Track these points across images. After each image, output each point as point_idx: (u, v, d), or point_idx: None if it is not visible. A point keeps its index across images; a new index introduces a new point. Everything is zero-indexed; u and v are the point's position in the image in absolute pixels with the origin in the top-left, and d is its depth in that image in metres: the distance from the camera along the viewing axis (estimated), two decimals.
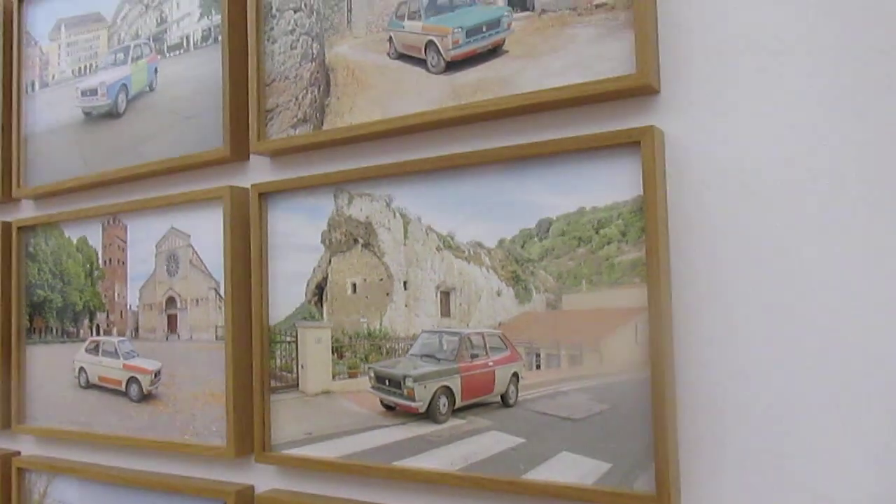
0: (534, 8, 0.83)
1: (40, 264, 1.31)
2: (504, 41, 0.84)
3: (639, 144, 0.75)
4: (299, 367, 1.00)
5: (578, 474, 0.78)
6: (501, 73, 0.84)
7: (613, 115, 0.79)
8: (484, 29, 0.86)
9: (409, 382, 0.90)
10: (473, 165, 0.86)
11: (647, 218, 0.75)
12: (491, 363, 0.85)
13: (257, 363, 1.02)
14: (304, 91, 0.99)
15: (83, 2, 1.29)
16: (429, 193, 0.90)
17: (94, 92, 1.25)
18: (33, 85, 1.35)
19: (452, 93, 0.87)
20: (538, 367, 0.82)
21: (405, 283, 0.91)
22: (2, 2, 1.39)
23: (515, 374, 0.83)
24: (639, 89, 0.76)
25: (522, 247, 0.83)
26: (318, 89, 0.98)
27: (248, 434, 1.04)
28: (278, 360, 1.01)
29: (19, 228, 1.33)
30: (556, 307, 0.81)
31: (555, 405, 0.80)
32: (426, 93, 0.89)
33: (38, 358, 1.32)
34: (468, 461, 0.85)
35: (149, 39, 1.18)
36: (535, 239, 0.82)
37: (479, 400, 0.86)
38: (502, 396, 0.84)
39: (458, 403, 0.87)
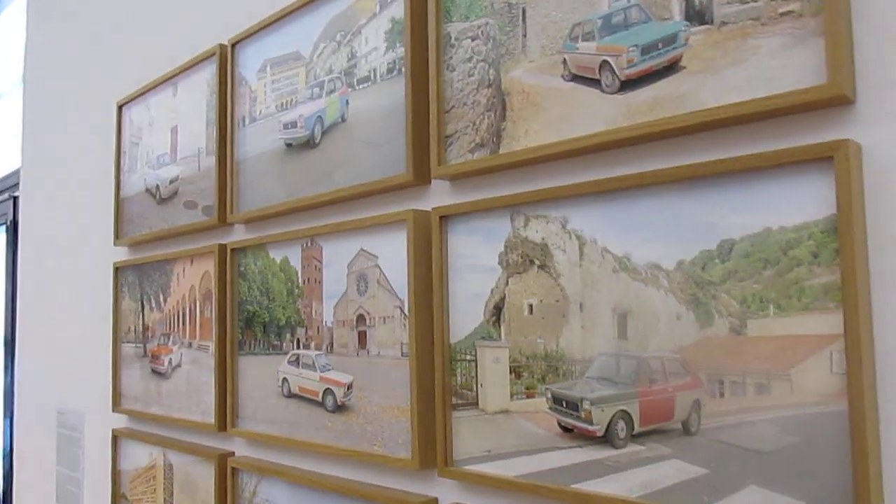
0: (713, 21, 0.80)
1: (250, 283, 1.45)
2: (681, 57, 0.82)
3: (832, 159, 0.70)
4: (478, 385, 1.02)
5: None
6: (679, 90, 0.82)
7: (803, 129, 0.74)
8: (660, 46, 0.84)
9: (586, 405, 0.89)
10: (650, 185, 0.84)
11: (841, 238, 0.69)
12: (671, 388, 0.83)
13: (439, 380, 1.06)
14: (482, 116, 1.02)
15: (285, 42, 1.41)
16: (604, 215, 0.89)
17: (294, 124, 1.36)
18: (244, 120, 1.50)
19: (627, 112, 0.86)
20: (721, 394, 0.78)
21: (581, 304, 0.91)
22: (219, 48, 1.56)
23: (697, 402, 0.80)
24: (831, 100, 0.70)
25: (703, 269, 0.80)
26: (495, 114, 1.01)
27: (432, 448, 1.08)
28: (459, 378, 1.05)
29: (233, 250, 1.48)
30: (741, 332, 0.77)
31: (741, 435, 0.76)
32: (601, 113, 0.89)
33: (248, 368, 1.45)
34: (647, 489, 0.83)
35: (341, 73, 1.27)
36: (717, 261, 0.79)
37: (658, 426, 0.83)
38: (683, 424, 0.81)
39: (637, 429, 0.85)
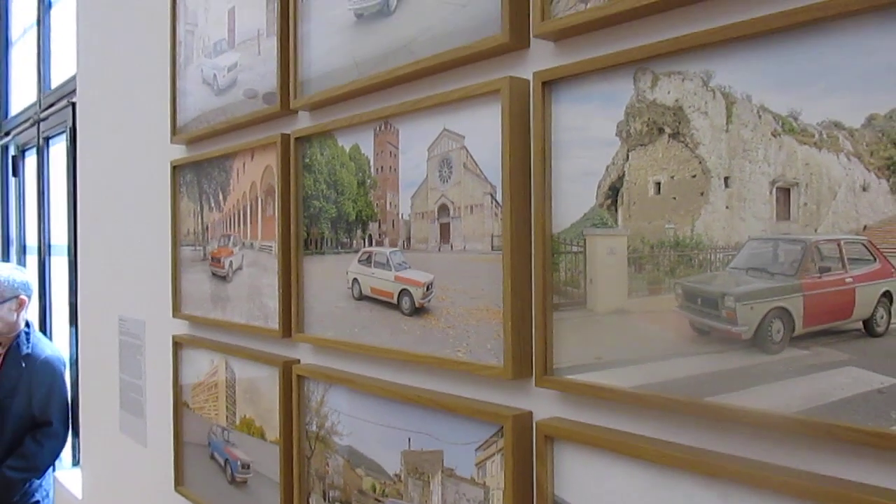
0: None
1: (315, 175, 1.30)
2: None
3: None
4: (587, 281, 0.86)
5: None
6: None
7: None
8: None
9: (729, 302, 0.73)
10: (828, 20, 0.65)
11: None
12: (849, 279, 0.65)
13: (538, 277, 0.90)
14: None
15: None
16: (763, 64, 0.70)
17: None
18: None
19: None
20: None
21: (726, 179, 0.74)
22: None
23: (887, 294, 0.63)
24: None
25: None
26: None
27: (527, 355, 0.93)
28: (563, 274, 0.89)
29: (297, 139, 1.33)
30: None
31: None
32: None
33: (314, 269, 1.32)
34: (811, 403, 0.67)
35: None
36: None
37: (829, 326, 0.66)
38: (865, 323, 0.64)
39: (799, 330, 0.68)
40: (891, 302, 0.62)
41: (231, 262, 1.58)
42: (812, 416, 0.66)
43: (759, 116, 0.71)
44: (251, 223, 1.51)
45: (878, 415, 0.62)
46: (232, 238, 1.58)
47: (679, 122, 0.77)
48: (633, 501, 0.81)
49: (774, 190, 0.70)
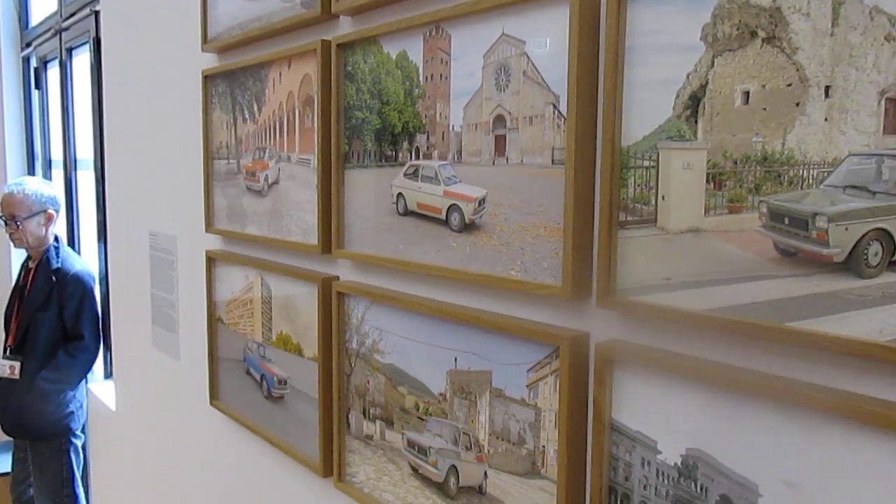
0: None
1: (358, 84, 1.24)
2: None
3: None
4: (659, 197, 0.81)
5: None
6: None
7: None
8: None
9: (821, 222, 0.68)
10: None
11: None
12: None
13: (605, 192, 0.85)
14: None
15: None
16: None
17: None
18: None
19: None
20: None
21: (827, 88, 0.67)
22: None
23: None
24: None
25: None
26: None
27: (588, 275, 0.89)
28: (631, 190, 0.84)
29: (339, 46, 1.26)
30: None
31: None
32: None
33: (356, 183, 1.28)
34: None
35: None
36: None
37: None
38: None
39: None
40: None
41: (267, 175, 1.54)
42: None
43: (872, 18, 0.64)
44: (288, 135, 1.46)
45: None
46: (268, 151, 1.54)
47: (775, 25, 0.70)
48: (702, 428, 0.78)
49: (883, 101, 0.64)
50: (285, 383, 1.53)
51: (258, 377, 1.63)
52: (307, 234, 1.40)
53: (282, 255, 1.54)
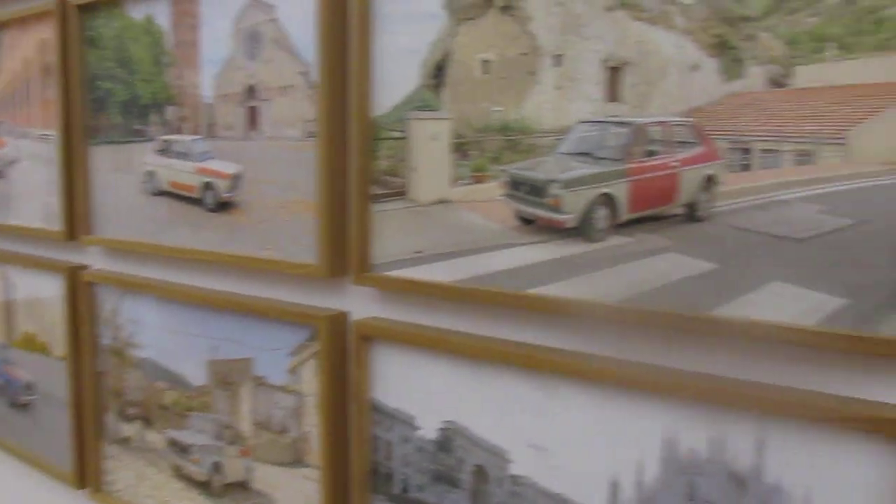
0: None
1: (102, 51, 1.12)
2: None
3: None
4: (409, 170, 0.80)
5: (795, 311, 0.57)
6: None
7: None
8: None
9: (554, 189, 0.69)
10: None
11: None
12: (675, 163, 0.63)
13: (356, 165, 0.82)
14: None
15: None
16: None
17: None
18: None
19: None
20: (745, 167, 0.60)
21: (558, 57, 0.69)
22: None
23: (710, 178, 0.62)
24: None
25: (739, 0, 0.59)
26: None
27: (344, 251, 0.86)
28: (383, 162, 0.81)
29: (79, 7, 1.13)
30: (783, 84, 0.58)
31: (767, 219, 0.59)
32: None
33: (102, 161, 1.16)
34: (632, 290, 0.65)
35: None
36: None
37: (653, 212, 0.65)
38: (688, 207, 0.63)
39: (624, 217, 0.66)
40: (713, 186, 0.61)
41: (3, 153, 1.36)
42: (631, 303, 0.65)
43: None
44: (26, 108, 1.29)
45: (696, 300, 0.62)
46: (3, 125, 1.36)
47: None
48: (457, 400, 0.78)
49: (606, 69, 0.66)
50: (32, 388, 1.36)
51: (1, 383, 1.44)
52: (51, 219, 1.25)
53: (25, 245, 1.36)
